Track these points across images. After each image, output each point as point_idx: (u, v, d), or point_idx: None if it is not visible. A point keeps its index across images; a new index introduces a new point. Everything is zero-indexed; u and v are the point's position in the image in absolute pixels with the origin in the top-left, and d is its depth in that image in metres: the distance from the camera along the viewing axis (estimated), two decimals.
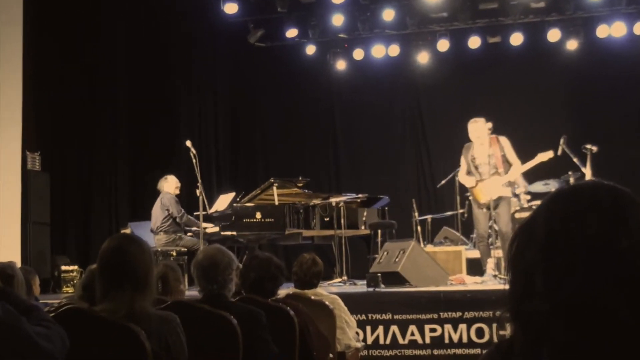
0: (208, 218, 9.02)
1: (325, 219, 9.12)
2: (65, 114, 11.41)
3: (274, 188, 9.09)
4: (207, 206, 8.80)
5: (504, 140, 8.05)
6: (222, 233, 8.73)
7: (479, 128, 7.95)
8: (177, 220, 9.11)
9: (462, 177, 8.28)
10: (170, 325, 2.63)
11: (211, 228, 8.91)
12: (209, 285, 3.51)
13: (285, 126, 13.10)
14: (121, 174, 12.01)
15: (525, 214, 8.99)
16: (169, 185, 9.31)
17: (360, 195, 9.54)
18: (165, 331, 2.58)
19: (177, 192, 9.41)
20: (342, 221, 8.98)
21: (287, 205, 8.83)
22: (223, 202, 9.43)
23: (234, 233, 8.71)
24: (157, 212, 9.22)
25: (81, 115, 11.65)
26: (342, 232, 8.96)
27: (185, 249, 9.03)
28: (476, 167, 8.08)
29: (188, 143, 8.40)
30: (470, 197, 8.34)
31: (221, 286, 3.50)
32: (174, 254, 8.92)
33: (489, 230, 8.31)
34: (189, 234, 9.30)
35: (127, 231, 9.57)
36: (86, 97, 11.74)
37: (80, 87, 11.69)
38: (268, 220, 8.72)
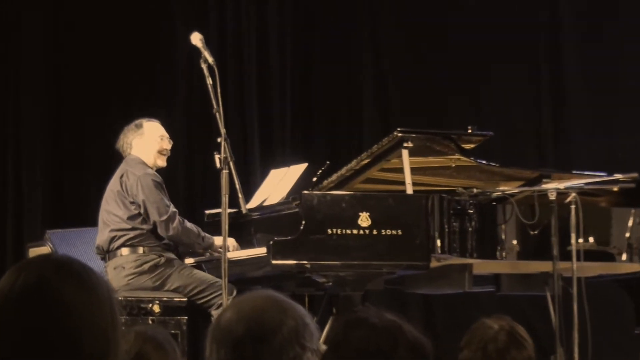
0: (238, 224, 9.45)
1: (532, 233, 9.36)
2: None
3: (405, 153, 9.20)
4: (240, 194, 9.40)
5: None
6: (273, 262, 8.85)
7: None
8: (159, 228, 9.36)
9: None
10: None
11: (247, 250, 9.39)
12: None
13: (429, 22, 13.86)
14: (30, 121, 12.92)
15: None
16: (145, 144, 9.69)
17: (618, 176, 9.65)
18: None
19: (163, 163, 9.75)
20: (574, 239, 9.03)
21: (435, 198, 9.09)
22: (278, 184, 9.90)
23: (306, 263, 8.85)
24: (114, 206, 9.46)
25: None
26: (572, 266, 9.00)
27: (184, 299, 9.26)
28: None
29: (195, 38, 9.00)
30: None
31: None
32: (157, 309, 9.11)
33: None
34: (190, 260, 9.59)
35: (44, 250, 10.01)
36: None
37: None
38: (388, 232, 8.92)
